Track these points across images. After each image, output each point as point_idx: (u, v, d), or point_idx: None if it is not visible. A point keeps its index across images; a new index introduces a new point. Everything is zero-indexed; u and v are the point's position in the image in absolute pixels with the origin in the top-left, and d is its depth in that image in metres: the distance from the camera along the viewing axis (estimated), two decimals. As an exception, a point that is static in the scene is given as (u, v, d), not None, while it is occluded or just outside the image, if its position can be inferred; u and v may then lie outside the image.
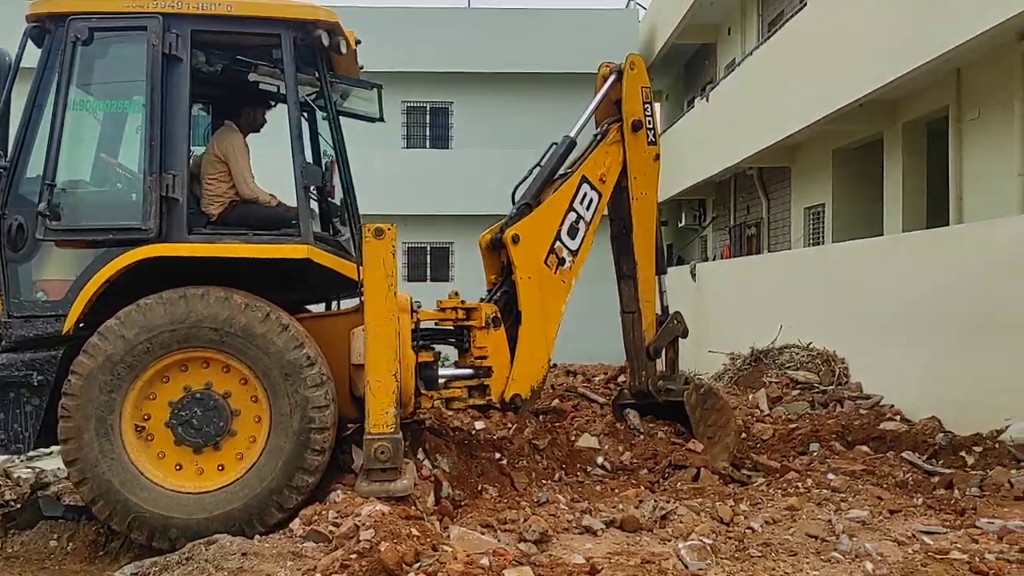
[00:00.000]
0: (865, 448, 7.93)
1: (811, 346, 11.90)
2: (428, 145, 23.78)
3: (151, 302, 5.36)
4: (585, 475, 7.48)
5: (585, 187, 7.41)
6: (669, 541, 5.29)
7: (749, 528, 5.84)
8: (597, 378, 11.11)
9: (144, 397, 5.39)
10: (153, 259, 5.45)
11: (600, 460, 7.63)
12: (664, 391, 8.02)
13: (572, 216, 7.30)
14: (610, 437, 7.96)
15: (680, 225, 24.27)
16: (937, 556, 4.92)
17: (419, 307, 6.48)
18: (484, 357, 6.74)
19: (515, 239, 6.90)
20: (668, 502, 6.10)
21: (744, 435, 9.07)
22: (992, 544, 5.23)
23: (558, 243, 7.20)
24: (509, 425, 8.47)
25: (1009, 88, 9.72)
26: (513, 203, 7.27)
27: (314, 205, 6.54)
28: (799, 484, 6.96)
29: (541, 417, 8.99)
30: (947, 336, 8.66)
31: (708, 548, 5.01)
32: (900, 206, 12.54)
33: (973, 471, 6.85)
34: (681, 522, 5.79)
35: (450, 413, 8.60)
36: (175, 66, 5.60)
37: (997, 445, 7.17)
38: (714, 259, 21.73)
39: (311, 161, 6.55)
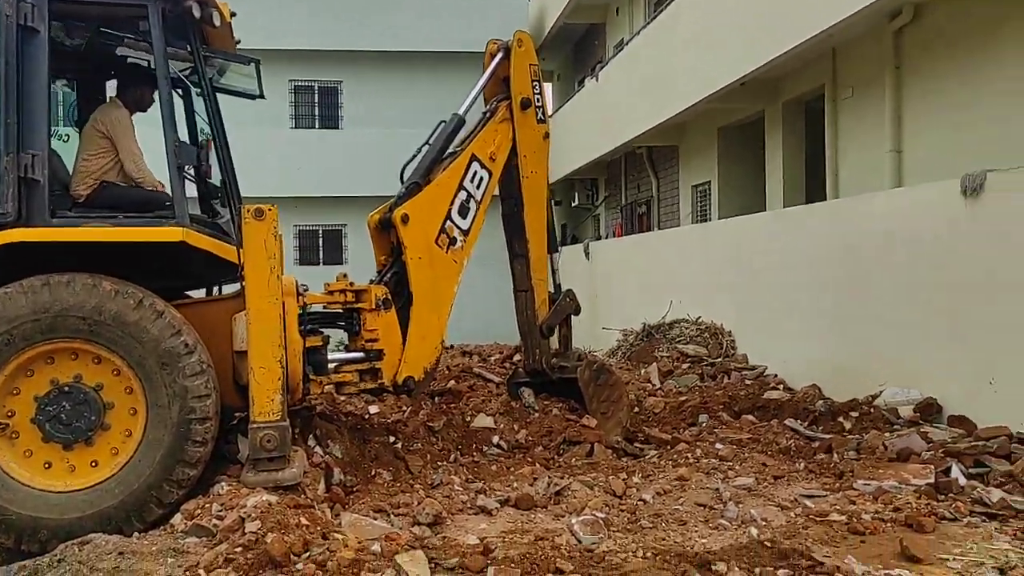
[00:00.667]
0: (751, 417, 8.17)
1: (700, 320, 12.20)
2: (317, 125, 23.20)
3: (11, 291, 5.01)
4: (481, 455, 7.46)
5: (475, 165, 7.35)
6: (563, 517, 5.31)
7: (641, 500, 5.93)
8: (492, 358, 11.11)
9: (7, 392, 5.04)
10: (13, 245, 5.09)
11: (496, 440, 7.62)
12: (558, 368, 8.07)
13: (462, 195, 7.22)
14: (505, 416, 7.96)
15: (573, 204, 24.49)
16: (818, 518, 5.10)
17: (306, 290, 6.29)
18: (375, 340, 6.61)
19: (404, 219, 6.79)
20: (562, 478, 6.14)
21: (637, 409, 9.22)
22: (868, 505, 5.44)
23: (449, 222, 7.12)
24: (404, 408, 8.38)
25: (881, 67, 10.12)
26: (402, 182, 7.15)
27: (192, 187, 6.26)
28: (688, 455, 7.12)
29: (436, 399, 8.93)
30: (825, 308, 8.99)
31: (601, 522, 5.05)
32: (781, 182, 12.95)
33: (850, 435, 7.13)
34: (575, 498, 5.83)
35: (342, 398, 8.46)
36: (31, 39, 5.22)
37: (872, 410, 7.49)
38: (607, 237, 22.01)
39: (187, 140, 6.26)
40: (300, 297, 6.13)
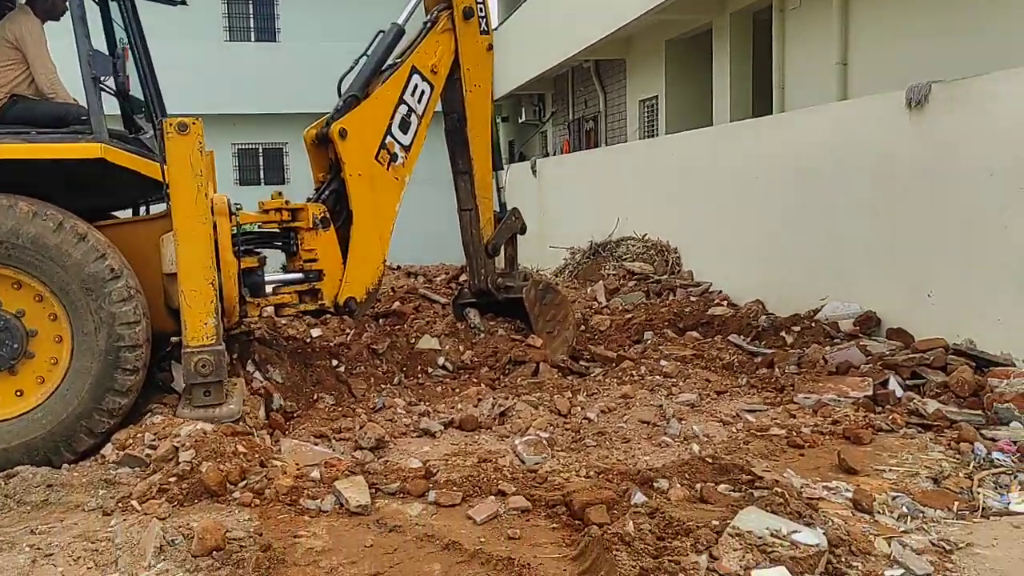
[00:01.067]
0: (695, 334, 8.21)
1: (646, 237, 12.16)
2: (253, 38, 22.28)
3: (-81, 214, 4.72)
4: (426, 377, 7.40)
5: (416, 78, 7.06)
6: (507, 438, 5.29)
7: (586, 419, 5.93)
8: (439, 278, 10.99)
9: (-79, 321, 4.80)
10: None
11: (441, 361, 7.55)
12: (503, 288, 7.97)
13: (403, 109, 6.96)
14: (451, 337, 7.87)
15: (520, 121, 24.10)
16: (759, 433, 5.14)
17: (239, 209, 6.04)
18: (314, 260, 6.42)
19: (342, 133, 6.51)
20: (507, 399, 6.10)
21: (583, 327, 9.22)
22: (808, 418, 5.51)
23: (389, 138, 6.86)
24: (347, 331, 8.26)
25: (828, -23, 9.95)
26: (339, 96, 6.85)
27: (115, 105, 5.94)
28: (633, 372, 7.13)
29: (381, 321, 8.81)
30: (769, 223, 8.98)
31: (544, 442, 5.03)
32: (728, 96, 12.81)
33: (792, 350, 7.20)
34: (519, 418, 5.80)
35: (283, 322, 8.30)
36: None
37: (813, 324, 7.55)
38: (554, 154, 21.76)
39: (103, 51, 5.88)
40: (233, 217, 5.90)
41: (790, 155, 8.60)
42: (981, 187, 6.24)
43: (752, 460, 4.64)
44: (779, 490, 3.86)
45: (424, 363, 7.56)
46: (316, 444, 5.07)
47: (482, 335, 7.85)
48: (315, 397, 6.34)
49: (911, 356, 6.22)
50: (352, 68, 6.91)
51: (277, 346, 6.75)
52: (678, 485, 4.24)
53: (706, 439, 5.19)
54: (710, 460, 4.51)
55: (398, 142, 6.91)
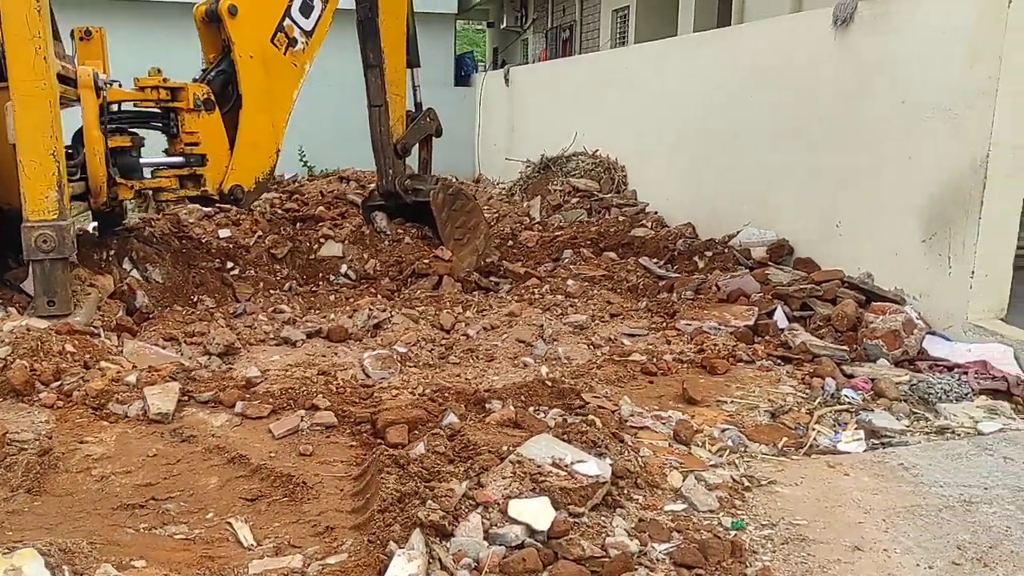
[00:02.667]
0: (612, 254, 8.03)
1: (597, 153, 11.86)
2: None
3: None
4: (327, 284, 7.26)
5: None
6: (373, 351, 5.13)
7: (464, 335, 5.81)
8: (373, 185, 10.69)
9: None
10: None
11: (343, 269, 7.41)
12: (412, 191, 7.76)
13: None
14: (357, 244, 7.71)
15: (501, 27, 23.43)
16: (619, 358, 5.01)
17: (109, 85, 5.76)
18: (195, 144, 6.19)
19: (232, 10, 6.19)
20: (384, 310, 5.95)
21: (510, 242, 9.06)
22: (680, 345, 5.38)
23: (288, 21, 6.54)
24: (261, 233, 8.06)
25: None
26: None
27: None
28: (536, 291, 6.99)
29: (298, 224, 8.62)
30: (704, 143, 8.69)
31: (396, 357, 4.89)
32: (692, 7, 12.33)
33: (697, 275, 7.03)
34: (392, 331, 5.68)
35: (192, 220, 8.11)
36: None
37: (727, 250, 7.37)
38: (533, 63, 21.16)
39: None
40: (100, 92, 5.62)
41: (727, 74, 8.26)
42: (892, 115, 5.96)
43: (596, 385, 4.52)
44: (593, 417, 3.74)
45: (326, 270, 7.42)
46: (164, 347, 4.94)
47: (387, 242, 7.67)
48: (195, 299, 6.20)
49: (803, 287, 6.05)
50: None
51: (160, 244, 6.56)
52: (511, 407, 4.13)
53: (566, 361, 5.08)
54: (550, 383, 4.38)
55: (298, 26, 6.60)
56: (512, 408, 4.02)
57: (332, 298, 6.79)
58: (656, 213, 9.73)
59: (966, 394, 4.60)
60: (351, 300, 6.68)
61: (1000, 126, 5.07)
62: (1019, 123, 5.08)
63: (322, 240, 7.68)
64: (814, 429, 4.14)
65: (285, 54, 6.56)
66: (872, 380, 4.68)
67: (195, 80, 6.33)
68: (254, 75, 6.33)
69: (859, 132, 6.31)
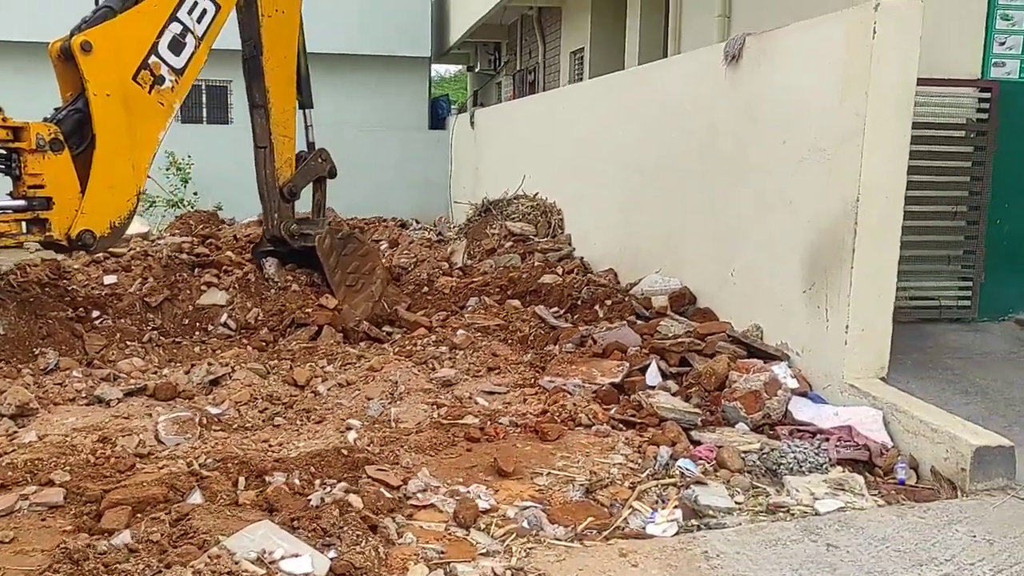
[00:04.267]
0: (517, 302, 7.60)
1: (537, 196, 11.51)
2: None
3: None
4: (203, 334, 6.85)
5: None
6: (172, 413, 4.68)
7: (314, 392, 5.39)
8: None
9: None
10: None
11: (224, 318, 7.00)
12: (299, 236, 7.39)
13: (176, 27, 6.29)
14: (243, 292, 7.31)
15: (476, 70, 23.33)
16: (446, 421, 4.56)
17: None
18: (40, 187, 5.80)
19: (85, 47, 5.83)
20: (226, 365, 5.53)
21: (425, 288, 8.66)
22: (534, 405, 4.94)
23: (154, 58, 6.21)
24: (150, 280, 7.64)
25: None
26: (96, 4, 6.19)
27: None
28: (420, 341, 6.57)
29: (196, 271, 8.23)
30: (625, 185, 8.30)
31: (199, 420, 4.45)
32: (636, 46, 12.04)
33: (595, 325, 6.59)
34: (230, 388, 5.25)
35: (77, 266, 7.74)
36: None
37: (627, 298, 6.93)
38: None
39: None
40: None
41: (645, 112, 7.89)
42: (776, 156, 5.56)
43: (404, 454, 4.07)
44: (353, 497, 3.30)
45: (205, 320, 7.02)
46: (-47, 409, 4.52)
47: (274, 289, 7.28)
48: (36, 352, 5.79)
49: (683, 341, 5.60)
50: None
51: (7, 292, 6.15)
52: (297, 480, 3.70)
53: (392, 425, 4.62)
54: (346, 452, 3.93)
55: (166, 63, 6.27)
56: (286, 484, 3.59)
57: (197, 350, 6.37)
58: (582, 258, 9.33)
59: (822, 464, 4.13)
60: (218, 352, 6.27)
61: (870, 167, 4.65)
62: (890, 163, 4.66)
63: (204, 288, 7.29)
64: (630, 507, 3.68)
65: (150, 92, 6.22)
66: (719, 447, 4.21)
67: (46, 119, 6.00)
68: (111, 114, 5.99)
69: (749, 174, 5.91)
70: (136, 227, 12.44)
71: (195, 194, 18.70)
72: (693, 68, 6.89)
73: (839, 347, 4.83)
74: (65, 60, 6.03)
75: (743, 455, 4.15)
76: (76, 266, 7.75)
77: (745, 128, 5.96)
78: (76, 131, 5.98)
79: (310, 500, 3.40)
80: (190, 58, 6.44)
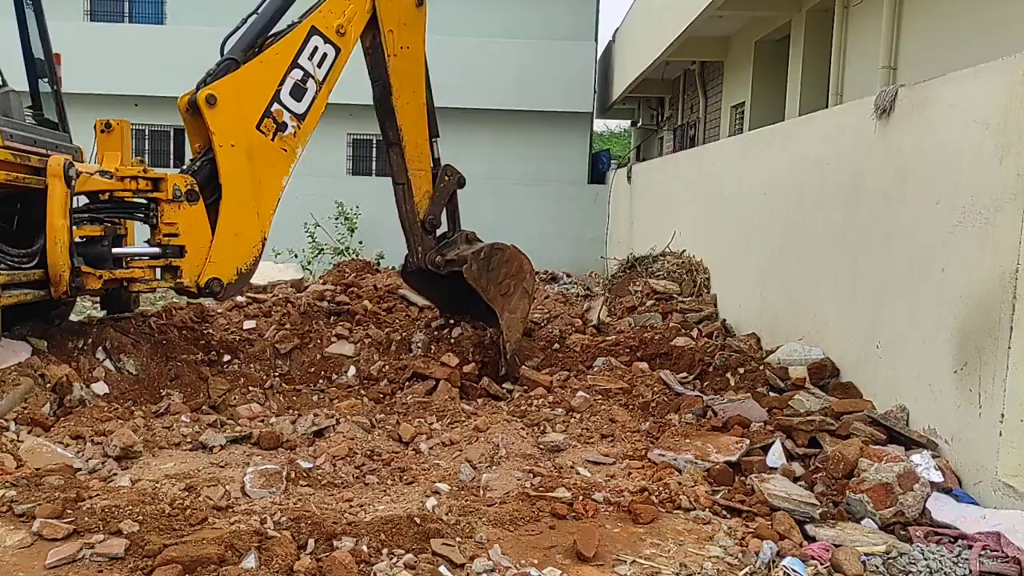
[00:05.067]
0: (644, 365, 7.22)
1: (684, 253, 11.10)
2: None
3: None
4: (327, 383, 6.92)
5: (316, 40, 6.52)
6: (259, 466, 4.61)
7: (415, 450, 5.24)
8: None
9: None
10: None
11: (352, 371, 7.04)
12: (445, 265, 7.38)
13: (297, 74, 6.44)
14: (371, 346, 7.35)
15: (637, 125, 23.17)
16: (538, 492, 4.26)
17: (79, 175, 5.72)
18: (175, 235, 6.04)
19: (210, 100, 6.05)
20: (331, 416, 5.48)
21: (556, 345, 8.43)
22: (638, 481, 4.57)
23: (277, 105, 6.37)
24: (289, 326, 7.86)
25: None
26: (221, 56, 6.44)
27: None
28: (536, 401, 6.34)
29: (332, 318, 8.40)
30: (767, 246, 7.81)
31: (283, 474, 4.38)
32: (797, 98, 11.48)
33: (726, 394, 6.13)
34: (330, 440, 5.19)
35: (220, 311, 8.07)
36: None
37: (762, 367, 6.42)
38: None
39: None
40: (71, 181, 5.58)
41: (790, 170, 7.42)
42: (926, 218, 4.99)
43: (479, 527, 3.82)
44: (408, 574, 3.08)
45: (330, 369, 7.09)
46: (66, 447, 4.68)
47: (412, 354, 7.26)
48: (163, 393, 5.99)
49: (812, 419, 5.06)
50: (238, 28, 6.47)
51: (137, 334, 6.42)
52: (365, 548, 3.54)
53: (484, 491, 4.38)
54: (419, 521, 3.73)
55: (288, 110, 6.42)
56: (352, 552, 3.43)
57: (316, 399, 6.42)
58: (724, 321, 8.84)
59: (961, 577, 3.53)
60: (335, 402, 6.29)
61: (1032, 234, 4.04)
62: (1057, 231, 4.04)
63: (334, 339, 7.38)
64: (721, 610, 3.25)
65: (273, 140, 6.39)
66: (837, 546, 3.70)
67: (182, 170, 6.27)
68: (236, 164, 6.18)
69: (897, 237, 5.34)
70: (291, 273, 13.00)
71: (360, 243, 19.44)
72: (840, 122, 6.38)
73: (992, 438, 4.19)
74: (193, 113, 6.29)
75: (864, 558, 3.62)
76: (219, 310, 8.09)
77: (894, 187, 5.41)
78: (209, 181, 6.22)
79: (373, 574, 3.20)
80: (312, 102, 6.57)
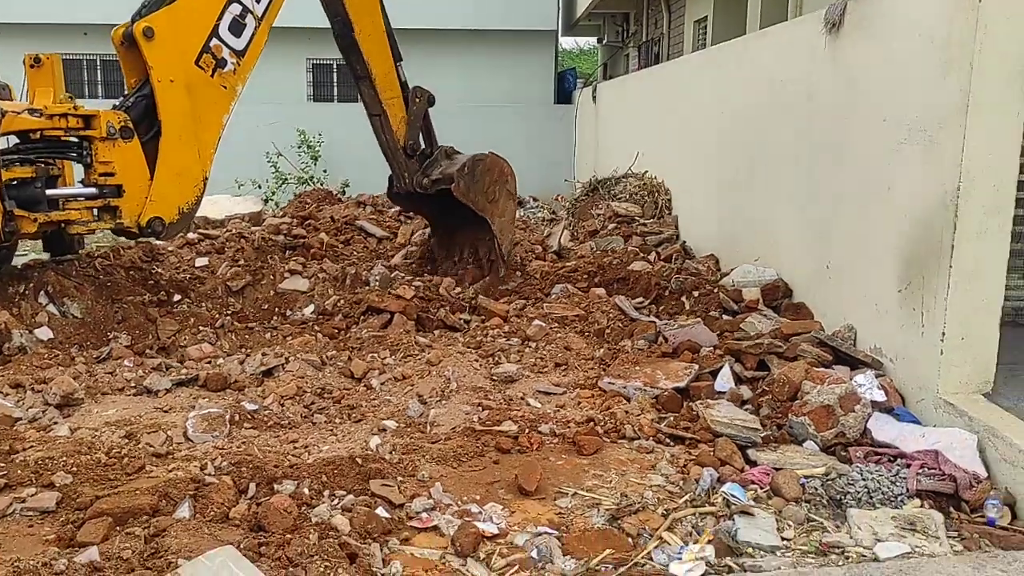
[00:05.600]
0: (601, 291, 7.18)
1: (646, 175, 10.98)
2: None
3: None
4: (281, 319, 6.83)
5: None
6: (203, 409, 4.54)
7: (367, 386, 5.21)
8: (393, 210, 10.26)
9: None
10: None
11: (308, 307, 6.95)
12: (432, 184, 7.45)
13: (235, 8, 6.18)
14: (327, 280, 7.26)
15: (603, 42, 22.72)
16: (483, 427, 4.25)
17: (4, 114, 5.48)
18: (111, 174, 5.84)
19: (147, 33, 5.79)
20: (280, 355, 5.42)
21: (519, 273, 8.35)
22: (586, 411, 4.57)
23: (215, 40, 6.12)
24: (250, 264, 7.68)
25: None
26: None
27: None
28: (492, 331, 6.30)
29: (287, 252, 8.28)
30: (727, 166, 7.71)
31: (226, 417, 4.32)
32: (760, 10, 11.23)
33: (678, 317, 6.13)
34: (279, 379, 5.14)
35: (171, 248, 7.92)
36: None
37: (716, 290, 6.40)
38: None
39: None
40: None
41: (745, 88, 7.28)
42: (875, 135, 4.92)
43: (422, 464, 3.81)
44: (341, 518, 3.06)
45: (284, 306, 7.00)
46: (5, 396, 4.60)
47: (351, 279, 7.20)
48: (111, 336, 5.88)
49: (761, 341, 5.07)
50: None
51: (80, 277, 6.27)
52: (305, 491, 3.51)
53: (431, 427, 4.37)
54: (360, 462, 3.71)
55: (227, 46, 6.18)
56: (292, 495, 3.41)
57: (269, 336, 6.34)
58: (684, 243, 8.80)
59: (897, 496, 3.59)
60: (288, 339, 6.21)
61: (974, 150, 3.99)
62: (999, 147, 3.99)
63: (287, 274, 7.27)
64: (659, 539, 3.28)
65: (212, 76, 6.16)
66: (775, 471, 3.74)
67: (115, 106, 6.04)
68: (175, 100, 5.97)
69: (848, 157, 5.28)
70: (249, 206, 12.76)
71: (324, 171, 19.08)
72: (792, 37, 6.24)
73: (934, 356, 4.21)
74: (128, 46, 6.02)
75: (803, 481, 3.66)
76: (169, 248, 7.93)
77: (844, 105, 5.33)
78: (144, 118, 6.00)
79: (310, 517, 3.19)
80: (251, 39, 6.33)
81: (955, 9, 4.08)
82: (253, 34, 6.25)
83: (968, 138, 3.98)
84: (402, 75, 7.40)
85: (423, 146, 7.58)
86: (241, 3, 6.17)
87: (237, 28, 6.16)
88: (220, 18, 6.09)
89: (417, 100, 7.45)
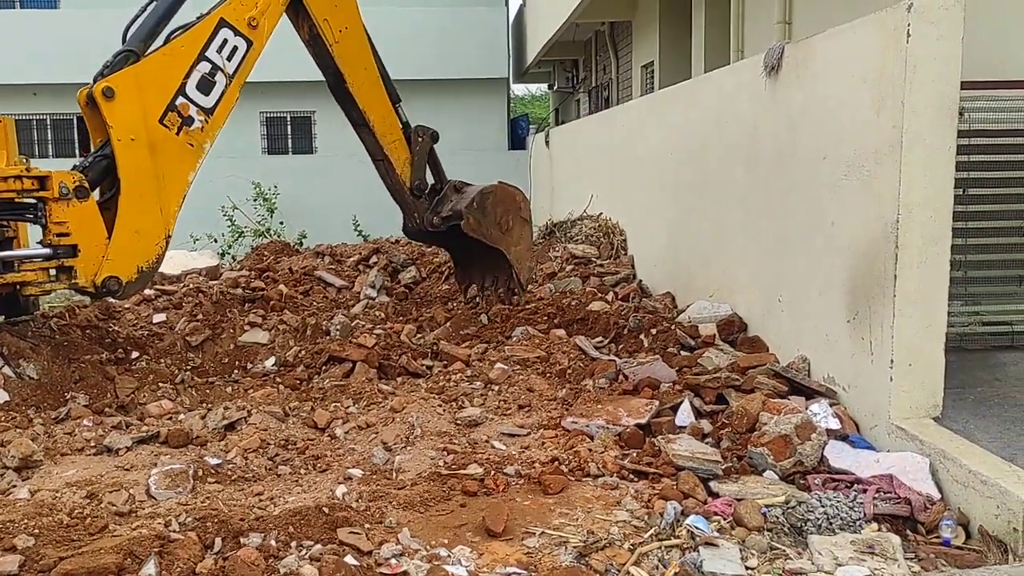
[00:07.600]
0: (561, 331, 7.26)
1: (601, 216, 11.18)
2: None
3: None
4: (242, 373, 6.80)
5: (226, 32, 6.28)
6: (164, 466, 4.51)
7: (331, 436, 5.21)
8: (351, 259, 10.29)
9: None
10: None
11: (270, 360, 6.93)
12: (443, 222, 7.57)
13: (205, 67, 6.21)
14: (288, 332, 7.25)
15: (553, 89, 23.17)
16: (450, 470, 4.28)
17: None
18: (65, 234, 5.81)
19: (107, 93, 5.81)
20: (242, 409, 5.41)
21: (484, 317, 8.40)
22: (547, 451, 4.62)
23: (181, 99, 6.14)
24: (209, 319, 7.64)
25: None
26: (123, 43, 6.19)
27: None
28: (455, 376, 6.34)
29: (247, 305, 8.25)
30: (677, 205, 7.91)
31: (189, 473, 4.30)
32: (702, 56, 11.59)
33: (636, 356, 6.22)
34: (242, 433, 5.12)
35: (127, 306, 7.86)
36: None
37: (673, 327, 6.53)
38: (580, 123, 20.70)
39: None
40: None
41: (693, 129, 7.50)
42: (815, 173, 5.12)
43: (389, 511, 3.82)
44: (309, 567, 3.06)
45: (245, 359, 6.97)
46: (-40, 462, 4.52)
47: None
48: (68, 396, 5.82)
49: (719, 376, 5.18)
50: (137, 17, 6.23)
51: (36, 337, 6.21)
52: (272, 543, 3.50)
53: (397, 473, 4.38)
54: (327, 511, 3.71)
55: (195, 104, 6.21)
56: (259, 548, 3.40)
57: (230, 390, 6.31)
58: (640, 282, 8.95)
59: (855, 521, 3.68)
60: (249, 392, 6.19)
61: (910, 184, 4.18)
62: (934, 180, 4.18)
63: (247, 327, 7.25)
64: (626, 574, 3.33)
65: (178, 134, 6.18)
66: (736, 502, 3.81)
67: (75, 167, 6.05)
68: (135, 158, 5.97)
69: (791, 194, 5.47)
70: (206, 260, 12.69)
71: (281, 223, 19.10)
72: (736, 80, 6.46)
73: (884, 383, 4.35)
74: (92, 107, 6.06)
75: (765, 510, 3.74)
76: (126, 306, 7.87)
77: (787, 144, 5.53)
78: (103, 177, 6.00)
79: (278, 569, 3.19)
80: (220, 96, 6.37)
81: (884, 51, 4.29)
82: (223, 92, 6.29)
83: (904, 172, 4.16)
84: (402, 116, 7.49)
85: (430, 184, 7.69)
86: (211, 61, 6.22)
87: (206, 86, 6.21)
88: (187, 77, 6.12)
89: (420, 139, 7.55)
